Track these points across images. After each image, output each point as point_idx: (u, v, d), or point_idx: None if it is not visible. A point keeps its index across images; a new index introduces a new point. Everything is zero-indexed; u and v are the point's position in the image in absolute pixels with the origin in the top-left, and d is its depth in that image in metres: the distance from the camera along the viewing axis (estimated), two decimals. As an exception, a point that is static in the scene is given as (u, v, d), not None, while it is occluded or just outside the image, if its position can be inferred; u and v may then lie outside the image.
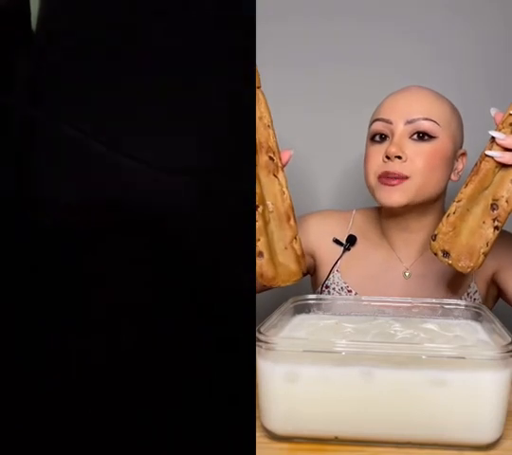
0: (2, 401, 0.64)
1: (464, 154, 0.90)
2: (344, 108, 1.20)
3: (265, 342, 0.58)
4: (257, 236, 0.72)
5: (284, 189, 0.73)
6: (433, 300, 0.73)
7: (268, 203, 0.73)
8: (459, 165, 0.89)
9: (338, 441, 0.58)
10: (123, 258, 0.71)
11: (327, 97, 1.22)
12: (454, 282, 0.89)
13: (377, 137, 0.87)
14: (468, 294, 0.89)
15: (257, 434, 0.60)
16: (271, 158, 0.73)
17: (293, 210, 0.74)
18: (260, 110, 0.73)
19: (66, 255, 0.79)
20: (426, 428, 0.57)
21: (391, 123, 0.85)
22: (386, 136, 0.86)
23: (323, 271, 0.94)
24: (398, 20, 1.20)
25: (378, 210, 0.95)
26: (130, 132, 1.06)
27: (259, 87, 0.73)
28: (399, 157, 0.83)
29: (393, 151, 0.83)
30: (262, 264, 0.73)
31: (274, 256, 0.73)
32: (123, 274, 0.69)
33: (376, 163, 0.85)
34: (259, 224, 0.72)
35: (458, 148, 0.89)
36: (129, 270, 0.70)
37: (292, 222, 0.73)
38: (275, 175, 0.73)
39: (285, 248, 0.73)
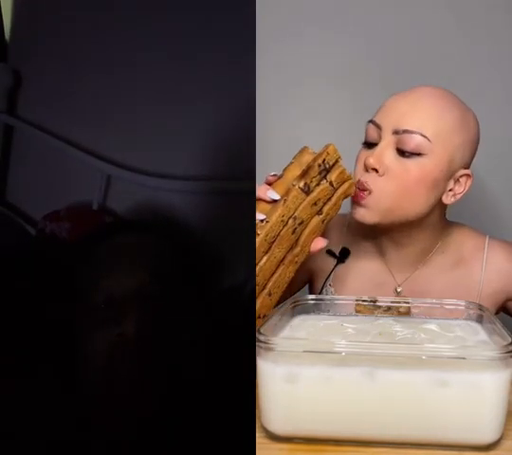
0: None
1: (468, 175, 0.81)
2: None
3: (265, 343, 0.58)
4: None
5: None
6: (433, 301, 0.73)
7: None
8: (459, 187, 0.81)
9: (337, 441, 0.58)
10: (118, 262, 0.71)
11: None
12: None
13: (367, 143, 0.81)
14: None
15: (257, 434, 0.60)
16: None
17: None
18: None
19: (55, 261, 0.79)
20: (426, 429, 0.57)
21: (380, 129, 0.79)
22: (376, 144, 0.80)
23: (319, 283, 0.93)
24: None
25: None
26: (116, 138, 1.06)
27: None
28: (376, 170, 0.78)
29: (371, 162, 0.77)
30: None
31: None
32: (122, 275, 0.69)
33: (358, 172, 0.80)
34: None
35: (458, 168, 0.80)
36: (125, 271, 0.70)
37: None
38: None
39: None
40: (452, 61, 1.17)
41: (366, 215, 0.79)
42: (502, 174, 1.17)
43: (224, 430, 0.64)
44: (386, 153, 0.78)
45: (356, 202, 0.80)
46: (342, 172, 0.74)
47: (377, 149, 0.79)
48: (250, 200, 0.72)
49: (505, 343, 0.57)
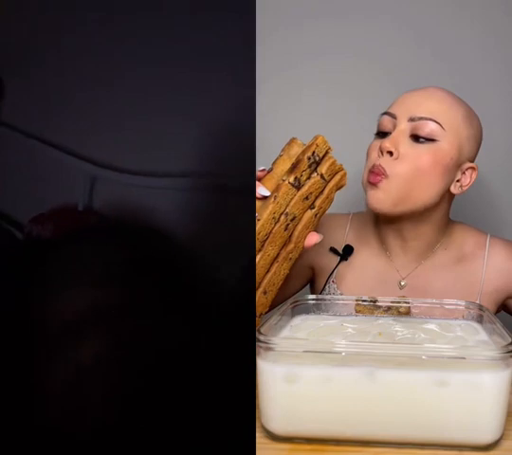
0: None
1: (474, 168, 0.86)
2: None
3: (265, 343, 0.58)
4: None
5: None
6: (434, 301, 0.73)
7: None
8: (465, 179, 0.85)
9: (338, 441, 0.58)
10: (108, 259, 0.70)
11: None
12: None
13: (381, 133, 0.85)
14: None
15: (257, 434, 0.60)
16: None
17: None
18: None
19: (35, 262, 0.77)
20: (426, 429, 0.57)
21: (395, 118, 0.83)
22: (390, 133, 0.84)
23: (321, 281, 0.93)
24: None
25: (375, 214, 0.92)
26: (105, 138, 1.05)
27: None
28: (390, 153, 0.81)
29: (386, 145, 0.81)
30: None
31: None
32: (113, 274, 0.69)
33: (372, 158, 0.83)
34: None
35: (465, 160, 0.85)
36: (118, 270, 0.69)
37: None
38: None
39: None
40: (453, 61, 1.17)
41: (382, 200, 0.81)
42: (502, 174, 1.17)
43: (224, 430, 0.64)
44: (401, 139, 0.82)
45: (372, 184, 0.82)
46: (333, 164, 0.72)
47: (392, 135, 0.83)
48: (250, 198, 0.72)
49: (505, 343, 0.57)
